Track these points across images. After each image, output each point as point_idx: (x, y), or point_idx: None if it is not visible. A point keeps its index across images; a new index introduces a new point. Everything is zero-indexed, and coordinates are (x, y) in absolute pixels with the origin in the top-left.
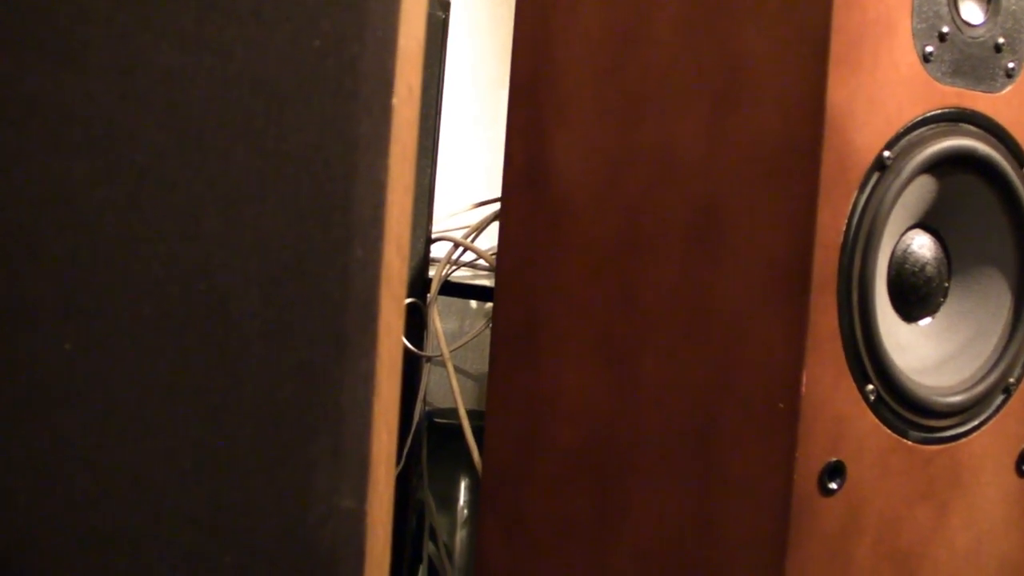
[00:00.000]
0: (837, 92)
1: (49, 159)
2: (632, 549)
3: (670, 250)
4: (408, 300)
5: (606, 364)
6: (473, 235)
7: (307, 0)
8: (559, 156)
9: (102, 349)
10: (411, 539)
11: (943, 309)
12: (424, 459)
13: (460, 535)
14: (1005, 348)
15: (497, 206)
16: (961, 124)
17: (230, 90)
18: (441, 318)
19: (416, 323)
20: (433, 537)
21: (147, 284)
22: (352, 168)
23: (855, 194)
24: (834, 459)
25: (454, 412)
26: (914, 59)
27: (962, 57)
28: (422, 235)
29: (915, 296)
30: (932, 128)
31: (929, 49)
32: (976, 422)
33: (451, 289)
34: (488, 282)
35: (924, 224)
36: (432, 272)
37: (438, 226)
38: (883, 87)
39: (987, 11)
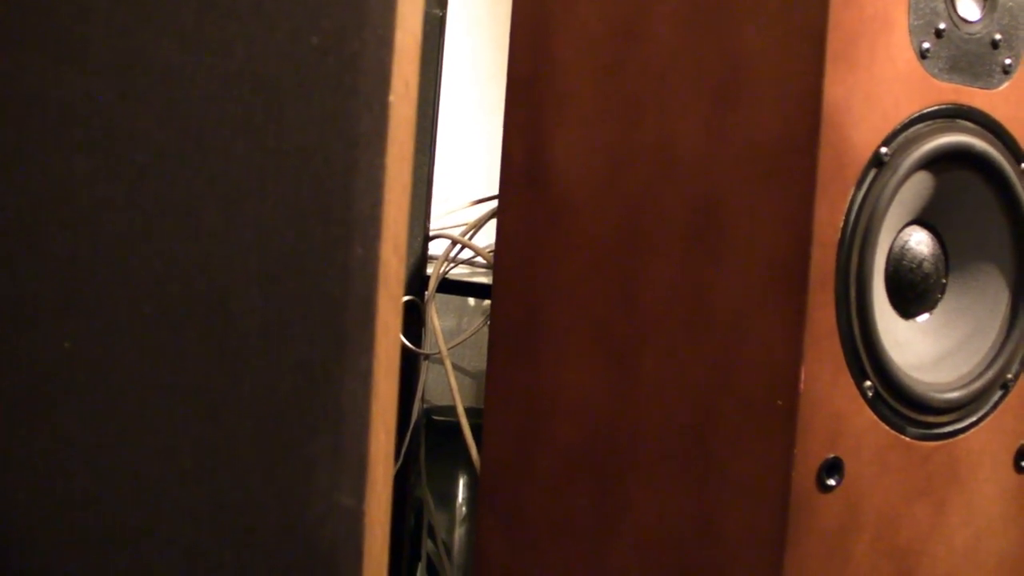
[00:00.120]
0: (834, 89)
1: (49, 157)
2: (631, 546)
3: (669, 247)
4: (406, 298)
5: (605, 361)
6: (471, 232)
7: None
8: (558, 153)
9: (102, 347)
10: (410, 537)
11: (941, 305)
12: (422, 457)
13: (459, 533)
14: (1003, 344)
15: (495, 203)
16: (958, 120)
17: (230, 88)
18: (439, 315)
19: (414, 321)
20: (432, 535)
21: (147, 282)
22: (352, 165)
23: (852, 191)
24: (832, 456)
25: (452, 410)
26: (911, 55)
27: (959, 53)
28: (420, 232)
29: (913, 293)
30: (929, 124)
31: (926, 45)
32: (974, 418)
33: (449, 286)
34: (486, 279)
35: (921, 220)
36: (430, 269)
37: (436, 223)
38: (880, 84)
39: (984, 7)
